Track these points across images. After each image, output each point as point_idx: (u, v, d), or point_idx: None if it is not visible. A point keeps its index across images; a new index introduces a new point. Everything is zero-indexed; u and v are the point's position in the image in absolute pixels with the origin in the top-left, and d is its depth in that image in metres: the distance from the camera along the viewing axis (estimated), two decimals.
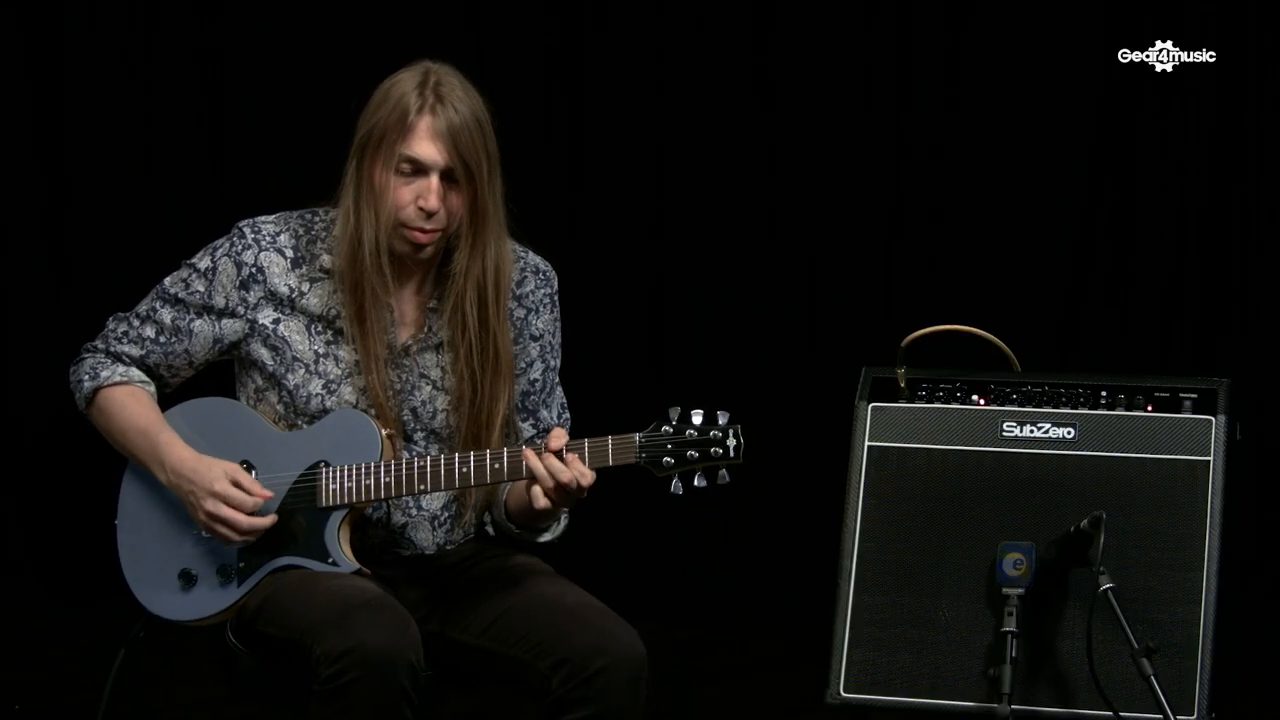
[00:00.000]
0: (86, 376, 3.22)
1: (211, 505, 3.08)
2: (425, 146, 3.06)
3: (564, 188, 5.85)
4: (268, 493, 3.10)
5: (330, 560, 3.09)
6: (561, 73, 5.83)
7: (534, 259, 3.28)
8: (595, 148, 5.83)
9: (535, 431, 3.26)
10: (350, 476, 3.09)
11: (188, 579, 3.15)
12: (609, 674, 3.01)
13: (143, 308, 3.23)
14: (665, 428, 3.00)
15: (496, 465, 3.05)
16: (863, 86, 5.62)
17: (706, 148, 5.74)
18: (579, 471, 3.00)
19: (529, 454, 3.02)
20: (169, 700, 4.71)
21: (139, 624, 3.21)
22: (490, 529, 3.33)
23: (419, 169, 3.07)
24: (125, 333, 3.23)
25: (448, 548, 3.24)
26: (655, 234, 5.81)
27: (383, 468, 3.08)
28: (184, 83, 5.86)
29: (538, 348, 3.26)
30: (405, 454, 3.16)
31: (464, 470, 3.06)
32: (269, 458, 3.14)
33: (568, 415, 3.33)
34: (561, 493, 3.01)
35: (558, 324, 3.31)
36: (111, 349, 3.24)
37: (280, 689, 3.13)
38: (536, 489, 3.02)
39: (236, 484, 3.09)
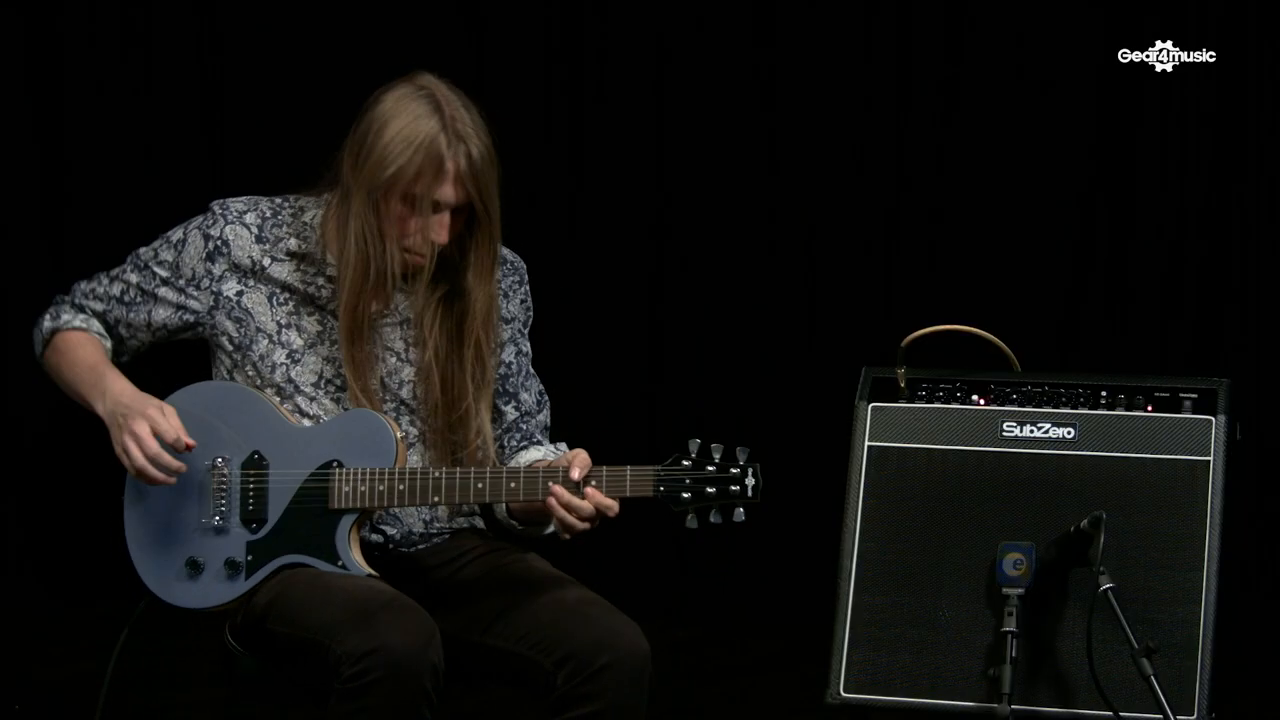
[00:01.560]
0: (48, 318, 3.33)
1: (136, 425, 3.10)
2: (449, 190, 3.13)
3: (564, 188, 5.84)
4: (191, 441, 3.12)
5: (340, 564, 3.10)
6: (561, 72, 5.83)
7: (501, 250, 3.31)
8: (595, 148, 5.83)
9: (519, 414, 3.30)
10: (363, 480, 3.10)
11: (194, 567, 3.16)
12: (613, 670, 3.02)
13: (114, 270, 3.33)
14: (684, 461, 3.03)
15: (513, 484, 3.08)
16: (863, 86, 5.62)
17: (707, 147, 5.74)
18: (603, 505, 3.04)
19: (552, 503, 3.04)
20: (169, 700, 4.71)
21: (142, 602, 3.21)
22: (476, 520, 3.34)
23: (436, 207, 3.14)
24: (93, 289, 3.33)
25: (435, 524, 3.26)
26: (655, 233, 5.81)
27: (396, 475, 3.09)
28: (184, 83, 5.86)
29: (509, 330, 3.31)
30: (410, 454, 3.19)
31: (479, 486, 3.09)
32: (283, 451, 3.14)
33: (547, 399, 3.37)
34: (588, 525, 3.05)
35: (529, 311, 3.36)
36: (76, 301, 3.34)
37: (280, 689, 3.13)
38: (559, 526, 3.06)
39: (166, 415, 3.12)
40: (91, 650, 5.22)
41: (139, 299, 3.27)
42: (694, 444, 3.04)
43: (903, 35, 5.59)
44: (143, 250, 3.31)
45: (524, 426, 3.31)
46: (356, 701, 2.91)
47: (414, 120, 3.12)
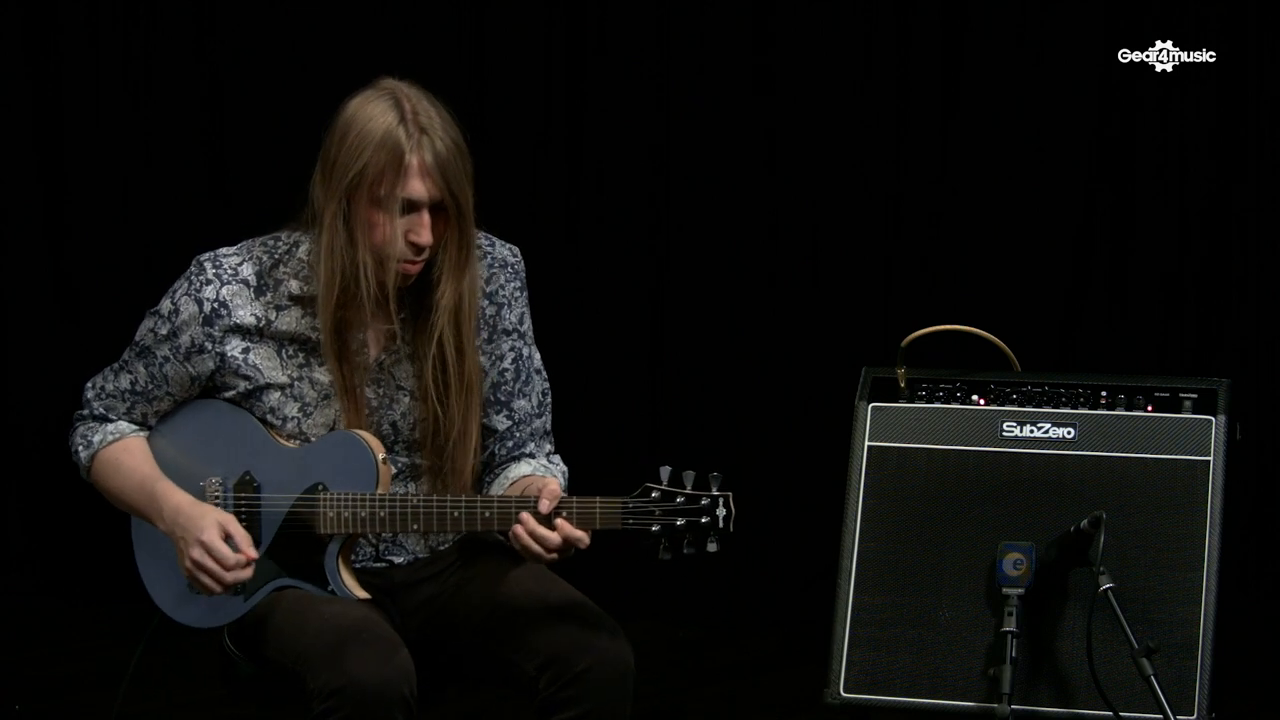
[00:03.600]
0: (81, 446, 3.20)
1: (198, 554, 3.05)
2: (418, 185, 3.02)
3: (564, 189, 5.85)
4: (253, 553, 3.06)
5: (330, 589, 3.09)
6: (562, 71, 5.83)
7: (501, 251, 3.23)
8: (595, 148, 5.83)
9: (511, 424, 3.23)
10: (347, 506, 3.08)
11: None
12: (595, 674, 2.99)
13: (118, 361, 3.21)
14: (654, 493, 2.96)
15: (487, 514, 3.03)
16: (863, 86, 5.63)
17: (707, 148, 5.74)
18: (572, 537, 2.97)
19: (519, 531, 2.99)
20: (167, 700, 4.72)
21: (155, 619, 3.21)
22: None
23: (411, 206, 3.03)
24: (103, 388, 3.21)
25: (440, 549, 3.24)
26: (655, 233, 5.81)
27: (378, 503, 3.06)
28: (185, 85, 5.86)
29: (508, 342, 3.23)
30: (397, 487, 3.16)
31: (455, 515, 3.04)
32: (271, 473, 3.12)
33: (549, 402, 3.29)
34: (556, 556, 3.01)
35: (527, 309, 3.26)
36: (95, 412, 3.21)
37: (277, 692, 3.13)
38: (524, 555, 3.01)
39: (227, 537, 3.05)
40: (92, 650, 5.24)
41: (151, 385, 3.16)
42: (665, 471, 2.96)
43: (902, 36, 5.59)
44: (138, 333, 3.18)
45: (517, 435, 3.24)
46: None
47: (372, 118, 3.02)
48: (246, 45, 5.83)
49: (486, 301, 3.20)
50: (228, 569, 3.04)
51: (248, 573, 3.06)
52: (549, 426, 3.29)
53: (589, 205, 5.84)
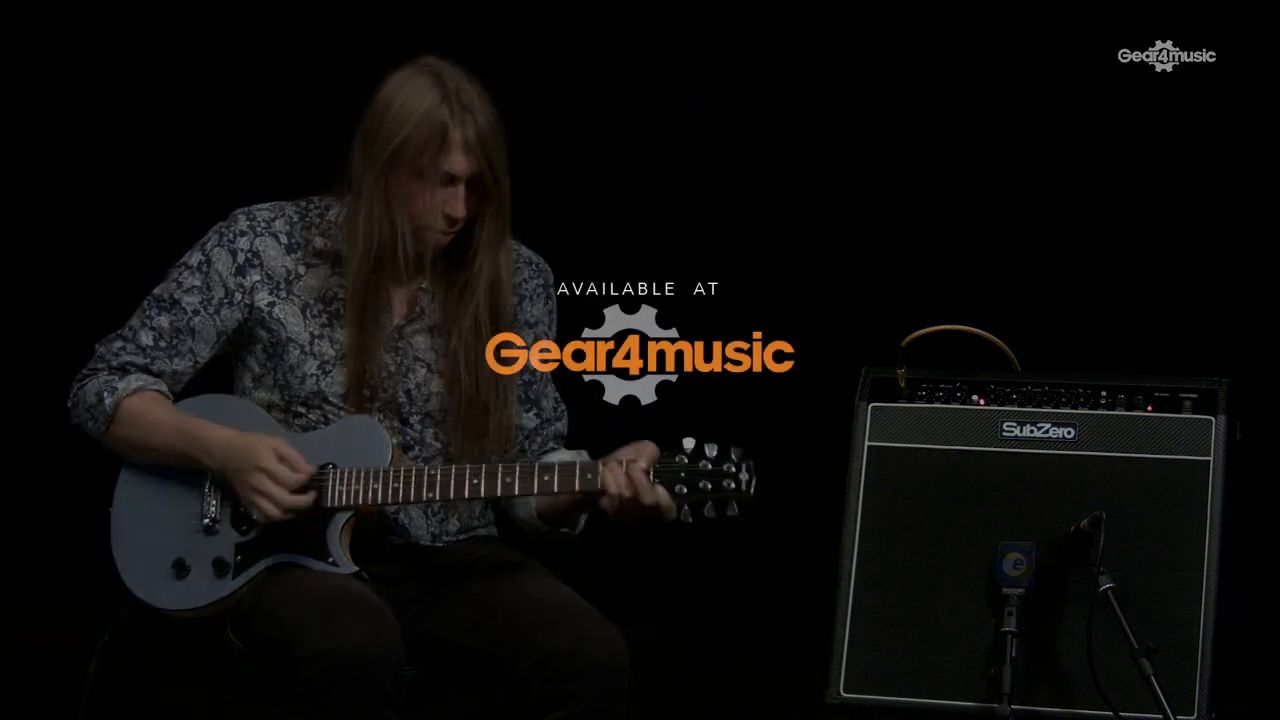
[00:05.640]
0: (107, 393, 3.16)
1: (256, 480, 3.06)
2: (459, 160, 3.10)
3: (564, 187, 5.84)
4: (310, 467, 3.08)
5: (330, 560, 3.09)
6: (562, 71, 5.83)
7: (526, 252, 3.31)
8: (595, 147, 5.83)
9: (539, 421, 3.27)
10: (358, 479, 3.08)
11: (181, 568, 3.14)
12: (588, 674, 2.99)
13: (135, 320, 3.21)
14: (680, 457, 3.02)
15: (508, 479, 3.05)
16: (863, 85, 5.62)
17: (707, 147, 5.74)
18: (665, 504, 3.00)
19: (637, 479, 3.01)
20: (166, 697, 4.71)
21: (126, 609, 3.21)
22: (492, 529, 3.32)
23: (449, 179, 3.11)
24: (122, 348, 3.20)
25: (443, 538, 3.24)
26: (655, 233, 5.80)
27: (391, 473, 3.07)
28: (184, 84, 5.86)
29: (531, 335, 3.27)
30: (405, 458, 3.17)
31: (474, 482, 3.05)
32: None
33: (564, 408, 3.33)
34: (641, 515, 3.03)
35: (553, 316, 3.33)
36: (115, 364, 3.20)
37: (279, 687, 3.13)
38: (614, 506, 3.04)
39: (282, 458, 3.07)
40: (89, 651, 5.23)
41: (176, 339, 3.18)
42: (688, 441, 3.03)
43: (903, 35, 5.59)
44: (159, 290, 3.20)
45: (544, 432, 3.28)
46: (314, 702, 2.90)
47: (416, 93, 3.10)
48: (246, 45, 5.82)
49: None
50: (289, 489, 3.05)
51: (309, 497, 3.06)
52: (564, 432, 3.33)
53: (589, 205, 5.84)
